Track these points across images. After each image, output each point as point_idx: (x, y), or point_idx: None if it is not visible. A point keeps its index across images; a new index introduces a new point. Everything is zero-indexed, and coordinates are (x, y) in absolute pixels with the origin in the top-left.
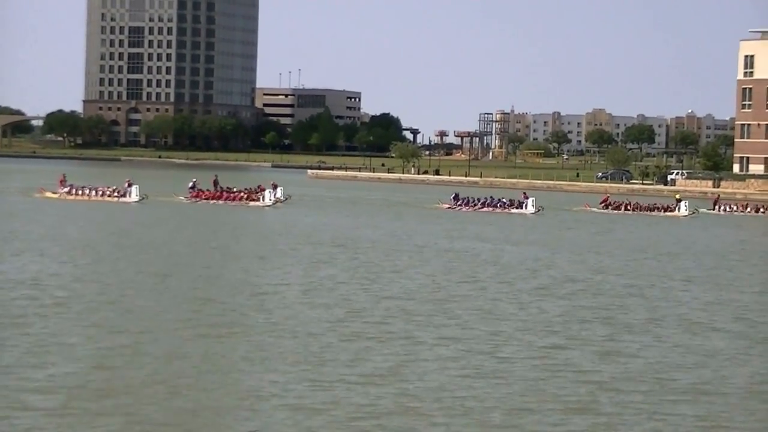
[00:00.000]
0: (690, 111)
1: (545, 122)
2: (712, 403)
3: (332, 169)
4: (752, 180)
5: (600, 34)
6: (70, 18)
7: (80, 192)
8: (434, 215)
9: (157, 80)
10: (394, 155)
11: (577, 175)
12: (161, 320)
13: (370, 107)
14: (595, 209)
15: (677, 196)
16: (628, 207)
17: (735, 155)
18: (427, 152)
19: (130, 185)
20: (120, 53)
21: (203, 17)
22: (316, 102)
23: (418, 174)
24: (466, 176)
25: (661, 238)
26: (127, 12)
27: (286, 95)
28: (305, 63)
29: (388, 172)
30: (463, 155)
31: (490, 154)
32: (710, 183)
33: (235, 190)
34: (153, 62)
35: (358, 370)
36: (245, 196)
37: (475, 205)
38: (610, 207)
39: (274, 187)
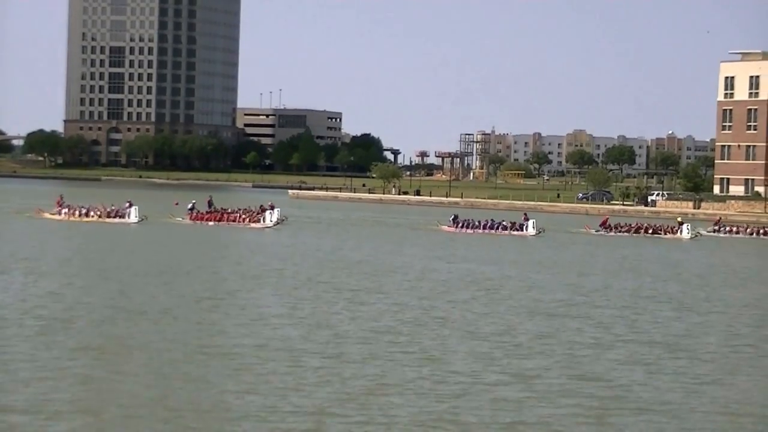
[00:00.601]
0: (670, 132)
1: (526, 143)
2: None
3: (313, 189)
4: (732, 201)
5: (581, 55)
6: (51, 38)
7: (78, 212)
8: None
9: (138, 100)
10: (374, 175)
11: (558, 196)
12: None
13: (351, 127)
14: (594, 231)
15: (679, 219)
16: (629, 229)
17: (715, 176)
18: (408, 172)
19: (130, 206)
20: (101, 73)
21: (184, 37)
22: (297, 122)
23: (399, 194)
24: (446, 197)
25: (651, 260)
26: (108, 32)
27: (267, 115)
28: (286, 83)
29: (369, 193)
30: (443, 176)
31: (471, 174)
32: (690, 204)
33: (229, 210)
34: (134, 82)
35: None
36: (246, 217)
37: (475, 227)
38: (610, 229)
39: (271, 208)
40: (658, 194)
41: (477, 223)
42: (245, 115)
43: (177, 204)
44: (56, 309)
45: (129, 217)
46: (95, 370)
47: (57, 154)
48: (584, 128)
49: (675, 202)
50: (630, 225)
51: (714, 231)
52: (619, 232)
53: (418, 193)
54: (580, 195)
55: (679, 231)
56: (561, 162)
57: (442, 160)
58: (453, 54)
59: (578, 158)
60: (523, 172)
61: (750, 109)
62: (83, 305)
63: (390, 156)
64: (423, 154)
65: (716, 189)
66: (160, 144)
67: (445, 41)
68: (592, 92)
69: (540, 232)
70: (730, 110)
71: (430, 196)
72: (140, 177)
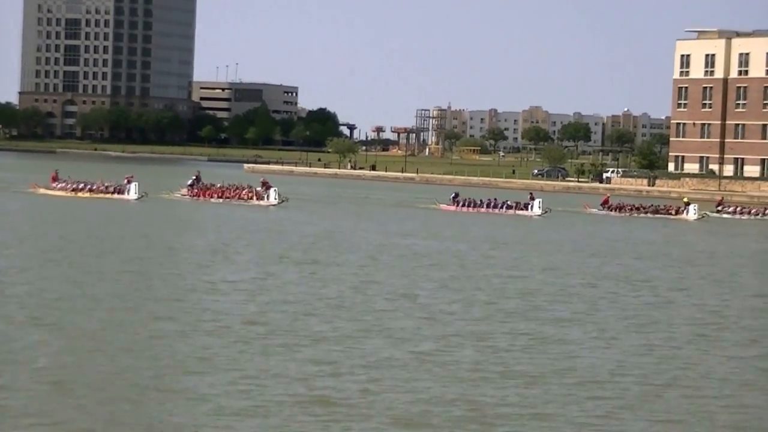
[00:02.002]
0: (626, 109)
1: (482, 119)
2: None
3: (268, 163)
4: (687, 179)
5: (537, 31)
6: (7, 9)
7: (74, 188)
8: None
9: (94, 72)
10: (330, 150)
11: (513, 172)
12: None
13: (307, 102)
14: (595, 210)
15: (685, 199)
16: (632, 209)
17: (670, 154)
18: (364, 148)
19: (129, 182)
20: (56, 45)
21: (140, 10)
22: (253, 96)
23: (354, 169)
24: (402, 172)
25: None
26: (64, 4)
27: (223, 89)
28: (242, 57)
29: (325, 167)
30: (399, 151)
31: (427, 150)
32: (645, 181)
33: (217, 186)
34: (90, 54)
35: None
36: (248, 194)
37: (477, 206)
38: (611, 208)
39: (264, 185)
40: (613, 171)
41: (479, 202)
42: (201, 88)
43: (133, 176)
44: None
45: (128, 194)
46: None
47: (12, 126)
48: (540, 105)
49: (630, 179)
50: (633, 205)
51: (717, 212)
52: (621, 211)
53: (373, 168)
54: (536, 171)
55: (685, 211)
56: (517, 138)
57: (398, 136)
58: (409, 29)
59: (534, 135)
60: (479, 148)
61: (705, 87)
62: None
63: (346, 131)
64: (379, 130)
65: (671, 167)
66: (116, 117)
67: (401, 16)
68: (548, 69)
69: (546, 212)
70: (686, 88)
71: (386, 171)
72: (95, 150)
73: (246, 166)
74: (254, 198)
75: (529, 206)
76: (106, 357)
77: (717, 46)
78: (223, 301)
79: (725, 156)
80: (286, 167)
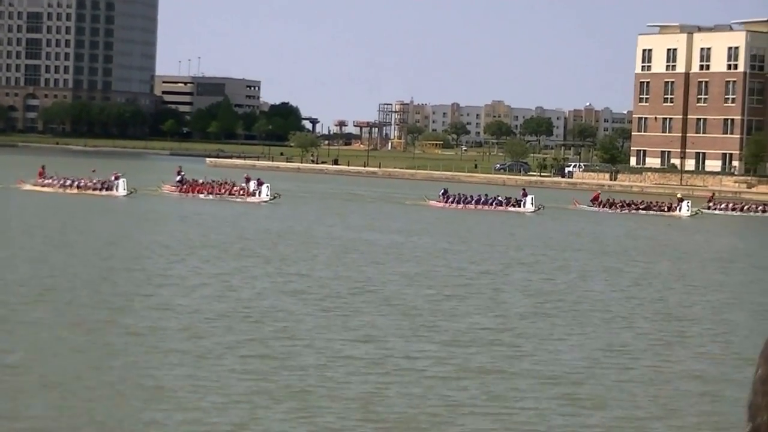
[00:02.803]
0: (588, 104)
1: (444, 113)
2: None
3: (230, 157)
4: (649, 173)
5: (500, 26)
6: None
7: (61, 184)
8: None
9: (56, 66)
10: (292, 144)
11: (476, 167)
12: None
13: (269, 96)
14: (584, 207)
15: (678, 195)
16: (623, 205)
17: (632, 148)
18: (326, 142)
19: (117, 178)
20: (18, 38)
21: (102, 3)
22: (216, 90)
23: (317, 163)
24: (365, 166)
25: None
26: None
27: (186, 83)
28: (205, 51)
29: (287, 162)
30: (362, 145)
31: (389, 144)
32: (607, 176)
33: (200, 181)
34: (51, 48)
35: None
36: (240, 190)
37: (467, 202)
38: (602, 205)
39: (247, 180)
40: (575, 166)
41: (469, 198)
42: (164, 82)
43: (94, 171)
44: None
45: (117, 190)
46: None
47: None
48: (502, 99)
49: (592, 173)
50: (624, 201)
51: (708, 208)
52: (612, 208)
53: (336, 162)
54: (498, 166)
55: (678, 208)
56: (479, 133)
57: (361, 130)
58: (373, 24)
59: (496, 129)
60: (441, 142)
61: (667, 82)
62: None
63: (308, 125)
64: (341, 124)
65: (633, 161)
66: (78, 111)
67: (364, 10)
68: (510, 64)
69: (539, 209)
70: (648, 83)
71: (348, 165)
72: (57, 143)
73: (208, 160)
74: (246, 195)
75: (522, 203)
76: (59, 354)
77: (679, 41)
78: (186, 297)
79: (687, 150)
80: (248, 161)
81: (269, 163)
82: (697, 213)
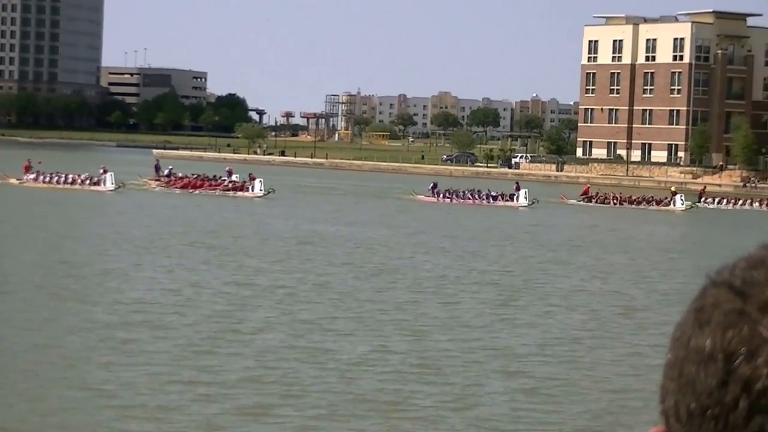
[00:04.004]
0: (534, 95)
1: (391, 104)
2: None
3: (177, 149)
4: (595, 164)
5: (446, 16)
6: None
7: (48, 179)
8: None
9: (1, 57)
10: (239, 136)
11: (423, 158)
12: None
13: (216, 87)
14: (573, 201)
15: (672, 189)
16: (615, 199)
17: (578, 139)
18: (273, 133)
19: (105, 172)
20: None
21: None
22: (162, 81)
23: (264, 155)
24: (311, 157)
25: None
26: None
27: (132, 74)
28: (151, 42)
29: (234, 153)
30: (308, 136)
31: (336, 135)
32: (554, 167)
33: (179, 175)
34: None
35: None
36: (230, 185)
37: (458, 197)
38: (593, 200)
39: (229, 174)
40: (521, 156)
41: (460, 193)
42: (110, 74)
43: (40, 163)
44: None
45: (104, 185)
46: None
47: None
48: (449, 90)
49: (538, 164)
50: (615, 195)
51: (699, 202)
52: (605, 202)
53: (282, 153)
54: (444, 157)
55: (672, 202)
56: (426, 124)
57: (308, 121)
58: (319, 14)
59: (443, 120)
60: (388, 133)
61: (613, 73)
62: None
63: (255, 116)
64: (288, 115)
65: (579, 152)
66: (24, 102)
67: (311, 1)
68: (457, 55)
69: (533, 203)
70: (594, 74)
71: (295, 156)
72: (2, 135)
73: (155, 151)
74: (238, 189)
75: (515, 197)
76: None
77: (625, 32)
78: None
79: (633, 141)
80: (195, 153)
81: (216, 154)
82: (691, 207)
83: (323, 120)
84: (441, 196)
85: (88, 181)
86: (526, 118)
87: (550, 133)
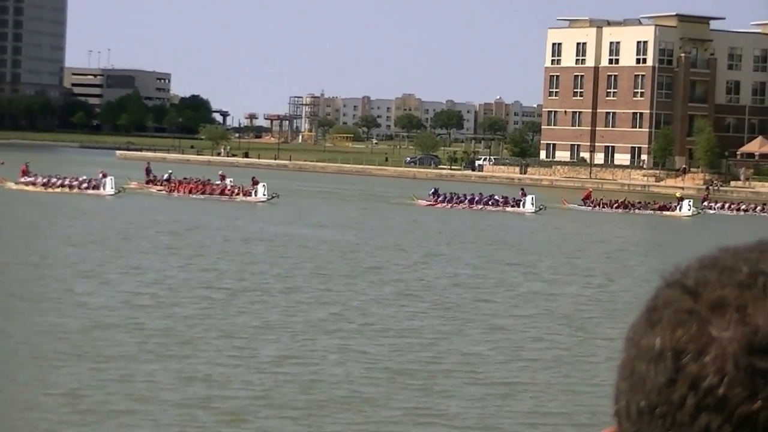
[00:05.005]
0: (498, 97)
1: (355, 106)
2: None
3: (141, 150)
4: (558, 166)
5: (410, 19)
6: None
7: (46, 183)
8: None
9: None
10: (203, 137)
11: (386, 160)
12: None
13: (179, 89)
14: (574, 206)
15: (678, 194)
16: (619, 205)
17: (542, 142)
18: (237, 135)
19: (104, 176)
20: None
21: None
22: (126, 83)
23: (228, 156)
24: (275, 159)
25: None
26: None
27: (95, 75)
28: (114, 43)
29: (198, 154)
30: (272, 138)
31: (300, 137)
32: (517, 169)
33: (176, 179)
34: None
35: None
36: (234, 190)
37: (460, 201)
38: (594, 204)
39: (222, 178)
40: (485, 159)
41: (462, 198)
42: (73, 74)
43: (3, 164)
44: None
45: (104, 189)
46: None
47: None
48: (413, 93)
49: (502, 167)
50: (619, 200)
51: (703, 208)
52: (611, 207)
53: (246, 155)
54: (408, 159)
55: (678, 207)
56: (390, 126)
57: (271, 123)
58: (283, 16)
59: (407, 122)
60: (352, 135)
61: (576, 76)
62: None
63: (219, 118)
64: (252, 117)
65: (542, 154)
66: None
67: (274, 3)
68: (421, 57)
69: (540, 209)
70: (557, 76)
71: (259, 158)
72: None
73: (118, 153)
74: (240, 194)
75: (521, 203)
76: None
77: (588, 35)
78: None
79: (596, 144)
80: (158, 154)
81: (180, 155)
82: (698, 213)
83: (287, 122)
84: (441, 200)
85: (86, 185)
86: (489, 121)
87: (514, 135)
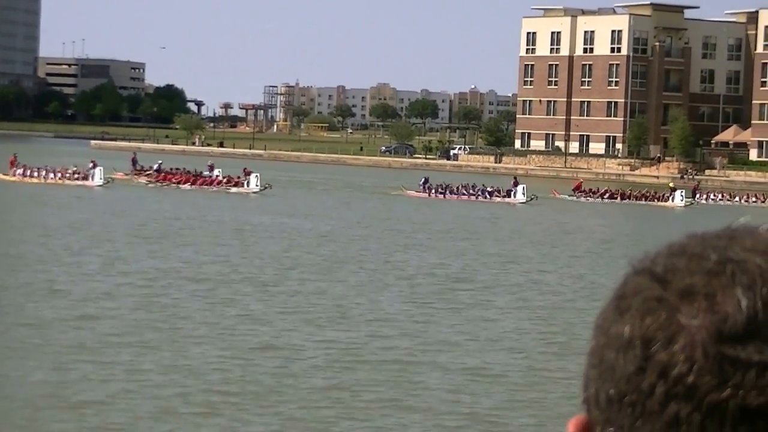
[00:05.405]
0: (473, 87)
1: (330, 96)
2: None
3: (115, 140)
4: (533, 156)
5: (384, 8)
6: None
7: (35, 174)
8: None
9: None
10: (178, 127)
11: (361, 149)
12: None
13: (154, 78)
14: (565, 196)
15: (671, 184)
16: (611, 195)
17: (517, 131)
18: (212, 124)
19: (94, 166)
20: None
21: None
22: (100, 72)
23: (203, 146)
24: (250, 149)
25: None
26: None
27: (70, 65)
28: (89, 33)
29: (172, 144)
30: (247, 128)
31: (275, 127)
32: (492, 158)
33: (168, 170)
34: None
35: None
36: (226, 180)
37: (451, 192)
38: (585, 194)
39: (211, 169)
40: (460, 148)
41: (454, 189)
42: (47, 64)
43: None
44: None
45: (92, 179)
46: None
47: None
48: (388, 82)
49: (477, 156)
50: (610, 190)
51: (694, 198)
52: (602, 197)
53: (221, 145)
54: (383, 148)
55: (671, 198)
56: (365, 115)
57: (246, 113)
58: (257, 5)
59: (382, 112)
60: (327, 125)
61: (551, 65)
62: None
63: (194, 107)
64: (227, 106)
65: (517, 143)
66: None
67: None
68: (395, 46)
69: (532, 199)
70: (532, 66)
71: (234, 148)
72: None
73: (93, 142)
74: (232, 185)
75: (512, 193)
76: None
77: (563, 24)
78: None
79: (571, 133)
80: (133, 144)
81: (154, 145)
82: (692, 203)
83: (262, 111)
84: (431, 191)
85: (76, 176)
86: (464, 110)
87: (489, 124)
